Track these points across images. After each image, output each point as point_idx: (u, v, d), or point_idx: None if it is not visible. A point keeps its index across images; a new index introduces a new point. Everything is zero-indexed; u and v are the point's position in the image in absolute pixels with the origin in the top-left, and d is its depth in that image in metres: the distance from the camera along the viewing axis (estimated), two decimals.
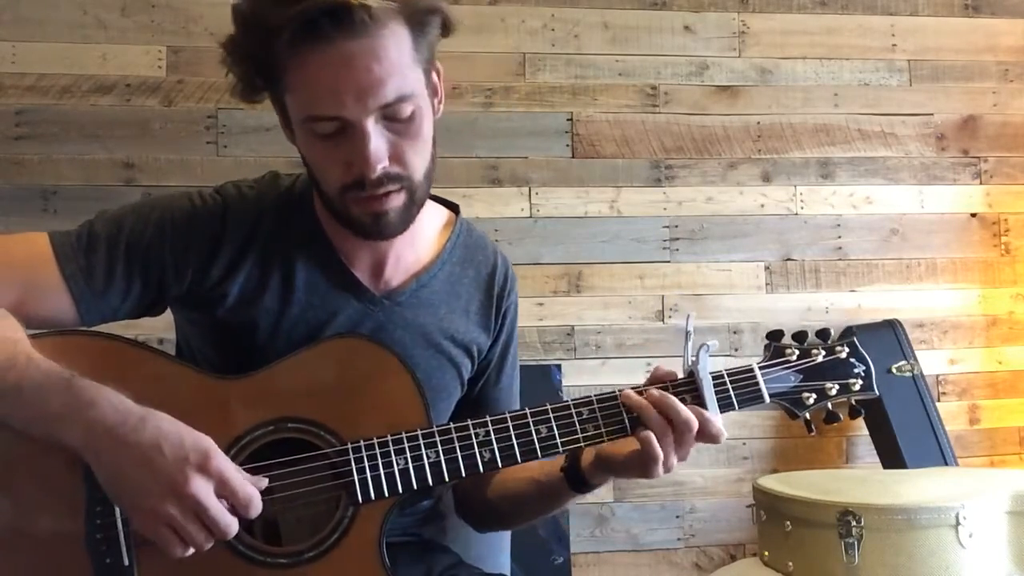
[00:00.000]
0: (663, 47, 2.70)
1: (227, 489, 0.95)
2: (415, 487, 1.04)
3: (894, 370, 2.49)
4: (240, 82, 1.07)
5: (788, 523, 1.70)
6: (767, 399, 1.12)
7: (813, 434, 1.16)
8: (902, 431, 2.46)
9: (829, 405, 1.15)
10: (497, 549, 1.46)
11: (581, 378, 2.57)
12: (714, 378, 1.11)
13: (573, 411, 1.09)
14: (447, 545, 1.35)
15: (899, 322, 2.58)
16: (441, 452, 1.05)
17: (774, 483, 1.81)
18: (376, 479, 1.04)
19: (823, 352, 1.15)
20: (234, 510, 0.96)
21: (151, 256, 1.12)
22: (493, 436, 1.07)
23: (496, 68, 2.63)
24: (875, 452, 2.54)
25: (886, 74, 2.78)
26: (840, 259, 2.72)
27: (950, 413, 2.68)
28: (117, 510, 0.98)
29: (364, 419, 1.07)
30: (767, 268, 2.69)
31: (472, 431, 1.07)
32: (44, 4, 2.47)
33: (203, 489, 0.94)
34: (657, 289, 2.65)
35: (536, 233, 2.61)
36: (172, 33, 2.51)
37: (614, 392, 1.10)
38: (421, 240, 1.23)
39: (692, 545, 2.60)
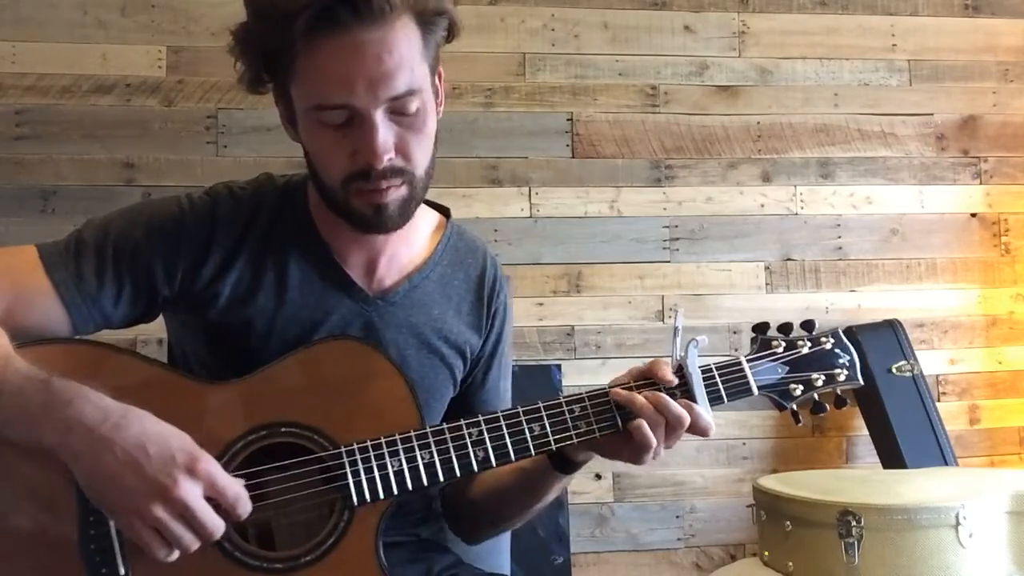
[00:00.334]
0: (663, 47, 2.70)
1: (215, 490, 0.95)
2: (410, 488, 1.04)
3: (894, 370, 2.50)
4: (248, 71, 1.07)
5: (788, 523, 1.70)
6: (755, 391, 1.13)
7: (801, 424, 1.17)
8: (902, 431, 2.45)
9: (816, 396, 1.16)
10: (497, 549, 1.46)
11: (581, 378, 2.56)
12: (703, 372, 1.11)
13: (565, 409, 1.09)
14: (446, 545, 1.34)
15: (899, 322, 2.58)
16: (435, 452, 1.05)
17: (774, 483, 1.81)
18: (371, 481, 1.03)
19: (808, 343, 1.16)
20: (222, 511, 0.95)
21: (140, 259, 1.11)
22: (487, 435, 1.07)
23: (496, 68, 2.63)
24: (875, 452, 2.54)
25: (886, 74, 2.78)
26: (840, 259, 2.72)
27: (950, 413, 2.68)
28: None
29: (357, 422, 1.07)
30: (767, 268, 2.69)
31: (465, 431, 1.07)
32: (44, 4, 2.47)
33: (192, 492, 0.93)
34: (657, 289, 2.64)
35: (536, 233, 2.61)
36: (172, 33, 2.51)
37: (605, 389, 1.10)
38: (414, 241, 1.23)
39: (692, 545, 2.59)
